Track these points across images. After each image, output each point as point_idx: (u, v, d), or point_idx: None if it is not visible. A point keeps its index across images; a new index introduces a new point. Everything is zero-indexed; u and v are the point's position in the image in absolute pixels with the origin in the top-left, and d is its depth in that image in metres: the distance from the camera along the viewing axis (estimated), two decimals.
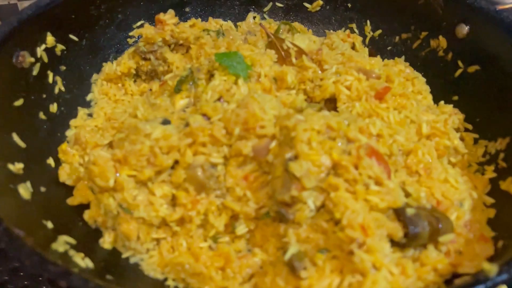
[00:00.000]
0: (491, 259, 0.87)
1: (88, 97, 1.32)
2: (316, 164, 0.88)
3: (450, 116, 1.17)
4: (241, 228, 0.96)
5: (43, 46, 1.18)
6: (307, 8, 1.58)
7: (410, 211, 0.86)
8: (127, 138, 0.99)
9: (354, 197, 0.85)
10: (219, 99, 1.06)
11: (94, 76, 1.35)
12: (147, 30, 1.30)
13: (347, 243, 0.81)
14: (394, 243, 0.85)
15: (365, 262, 0.78)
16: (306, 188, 0.87)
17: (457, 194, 0.99)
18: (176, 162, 0.98)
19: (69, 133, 1.21)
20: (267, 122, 0.97)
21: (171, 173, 0.98)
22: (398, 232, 0.84)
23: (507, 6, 1.25)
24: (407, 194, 0.91)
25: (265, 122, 0.97)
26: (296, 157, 0.89)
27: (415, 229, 0.85)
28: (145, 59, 1.32)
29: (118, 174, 0.94)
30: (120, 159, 0.96)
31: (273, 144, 0.96)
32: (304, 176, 0.86)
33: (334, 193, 0.86)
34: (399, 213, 0.86)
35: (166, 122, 1.01)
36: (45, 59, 1.18)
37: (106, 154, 0.97)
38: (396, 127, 1.01)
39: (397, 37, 1.46)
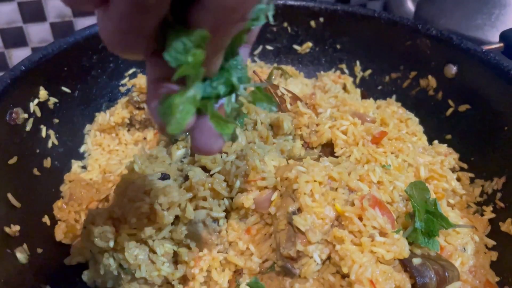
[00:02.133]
0: None
1: (82, 149, 1.31)
2: (320, 217, 0.87)
3: (446, 156, 1.18)
4: (245, 284, 0.94)
5: (36, 101, 1.17)
6: (297, 50, 1.60)
7: (416, 261, 0.86)
8: (126, 195, 0.98)
9: (360, 249, 0.85)
10: None
11: (87, 126, 1.34)
12: (141, 80, 1.30)
13: None
14: None
15: None
16: (312, 242, 0.86)
17: (459, 238, 0.99)
18: (177, 217, 0.96)
19: (64, 188, 1.18)
20: (268, 173, 0.97)
21: (172, 230, 0.96)
22: (406, 283, 0.83)
23: (493, 46, 1.28)
24: (411, 242, 0.91)
25: (265, 174, 0.96)
26: (299, 210, 0.89)
27: (422, 280, 0.84)
28: (139, 108, 1.32)
29: (118, 234, 0.92)
30: (119, 217, 0.94)
31: (275, 195, 0.95)
32: (309, 230, 0.86)
33: (340, 246, 0.85)
34: (405, 264, 0.86)
35: (165, 177, 0.99)
36: (38, 114, 1.17)
37: (104, 213, 0.95)
38: (395, 173, 1.02)
39: (387, 77, 1.49)
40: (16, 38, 1.83)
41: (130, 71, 1.46)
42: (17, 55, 1.86)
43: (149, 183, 0.96)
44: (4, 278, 0.84)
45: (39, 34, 1.85)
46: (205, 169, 1.02)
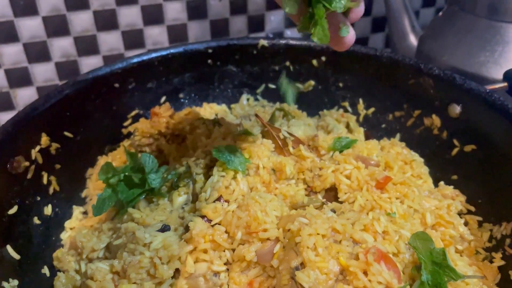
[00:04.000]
0: None
1: (83, 194, 1.30)
2: (324, 272, 0.85)
3: (453, 200, 1.15)
4: None
5: (38, 148, 1.17)
6: (299, 88, 1.60)
7: None
8: (126, 247, 0.96)
9: None
10: (218, 199, 1.04)
11: (89, 170, 1.34)
12: (143, 124, 1.30)
13: None
14: None
15: None
16: None
17: None
18: (177, 270, 0.94)
19: (64, 235, 1.17)
20: (270, 224, 0.95)
21: (172, 283, 0.94)
22: None
23: (497, 86, 1.27)
24: None
25: (267, 225, 0.95)
26: (302, 265, 0.87)
27: None
28: (141, 151, 1.31)
29: None
30: (119, 271, 0.92)
31: (277, 247, 0.93)
32: (313, 286, 0.83)
33: None
34: None
35: (165, 228, 0.98)
36: (40, 161, 1.17)
37: (104, 267, 0.93)
38: (400, 221, 1.00)
39: (391, 115, 1.48)
40: (21, 78, 1.84)
41: (133, 113, 1.46)
42: (22, 95, 1.87)
43: (149, 235, 0.94)
44: None
45: (44, 73, 1.86)
46: (206, 219, 1.00)
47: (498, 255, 1.07)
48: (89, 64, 1.90)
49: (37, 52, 1.81)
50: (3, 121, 1.87)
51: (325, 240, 0.88)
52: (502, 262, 1.06)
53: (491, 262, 1.07)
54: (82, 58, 1.89)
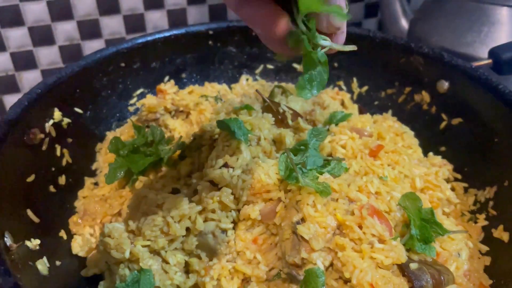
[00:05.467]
0: None
1: (93, 166, 1.37)
2: (322, 226, 0.93)
3: (440, 168, 1.24)
4: None
5: (51, 122, 1.24)
6: (296, 68, 1.67)
7: (413, 266, 0.92)
8: (139, 209, 1.04)
9: (361, 255, 0.91)
10: (224, 165, 1.11)
11: (98, 145, 1.41)
12: (150, 100, 1.38)
13: None
14: None
15: None
16: (315, 250, 0.92)
17: (454, 244, 1.04)
18: (188, 229, 1.02)
19: (78, 203, 1.24)
20: (272, 186, 1.03)
21: (183, 241, 1.02)
22: (404, 287, 0.89)
23: (482, 63, 1.36)
24: (408, 249, 0.97)
25: (270, 187, 1.03)
26: (303, 220, 0.95)
27: (419, 283, 0.90)
28: (147, 126, 1.38)
29: (133, 245, 0.98)
30: (134, 230, 1.00)
31: (279, 207, 1.01)
32: (313, 238, 0.92)
33: (342, 253, 0.91)
34: (403, 269, 0.92)
35: (175, 191, 1.06)
36: (53, 134, 1.24)
37: (120, 226, 1.01)
38: (392, 184, 1.08)
39: (383, 92, 1.56)
40: (26, 61, 1.90)
41: (138, 92, 1.53)
42: (27, 78, 1.93)
43: (161, 197, 1.02)
44: None
45: (48, 57, 1.92)
46: (213, 183, 1.08)
47: (482, 216, 1.16)
48: (92, 47, 1.96)
49: (42, 35, 1.87)
50: (9, 103, 1.94)
51: (323, 198, 0.96)
52: (486, 223, 1.15)
53: (476, 223, 1.17)
54: (85, 41, 1.95)
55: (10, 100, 1.95)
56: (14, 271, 0.82)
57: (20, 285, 0.77)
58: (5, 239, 0.90)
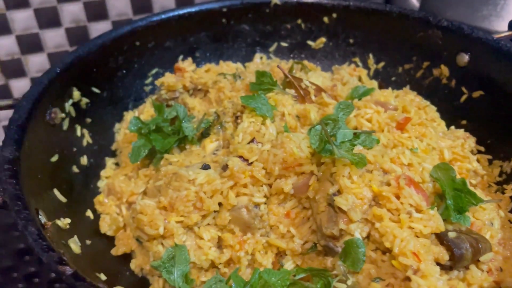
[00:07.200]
0: None
1: (113, 147, 1.35)
2: (359, 197, 0.93)
3: (465, 140, 1.24)
4: (289, 265, 0.99)
5: (71, 101, 1.21)
6: (311, 45, 1.65)
7: (452, 235, 0.91)
8: (170, 185, 1.02)
9: (399, 226, 0.90)
10: (252, 141, 1.10)
11: (117, 125, 1.39)
12: (168, 78, 1.35)
13: (401, 271, 0.85)
14: (440, 266, 0.90)
15: (422, 287, 0.82)
16: (353, 221, 0.91)
17: (486, 214, 1.04)
18: (220, 204, 1.01)
19: (101, 184, 1.23)
20: (305, 160, 1.02)
21: (216, 216, 1.01)
22: (444, 255, 0.89)
23: (503, 35, 1.35)
24: (443, 219, 0.97)
25: (303, 160, 1.02)
26: (339, 192, 0.94)
27: (459, 252, 0.89)
28: (167, 105, 1.36)
29: (166, 221, 0.97)
30: (166, 206, 0.99)
31: (312, 180, 1.00)
32: (351, 209, 0.91)
33: (380, 224, 0.90)
34: (441, 238, 0.91)
35: (206, 167, 1.04)
36: (73, 114, 1.22)
37: (152, 203, 0.99)
38: (422, 155, 1.08)
39: (400, 68, 1.55)
40: (32, 44, 1.86)
41: (153, 71, 1.51)
42: (34, 61, 1.89)
43: (193, 173, 1.00)
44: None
45: (54, 39, 1.88)
46: (242, 158, 1.07)
47: (509, 187, 1.16)
48: (99, 29, 1.92)
49: (48, 17, 1.83)
50: (15, 87, 1.91)
51: (359, 170, 0.96)
52: None
53: (503, 193, 1.16)
54: (92, 23, 1.91)
55: (16, 84, 1.92)
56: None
57: (65, 260, 0.76)
58: (39, 216, 0.89)
